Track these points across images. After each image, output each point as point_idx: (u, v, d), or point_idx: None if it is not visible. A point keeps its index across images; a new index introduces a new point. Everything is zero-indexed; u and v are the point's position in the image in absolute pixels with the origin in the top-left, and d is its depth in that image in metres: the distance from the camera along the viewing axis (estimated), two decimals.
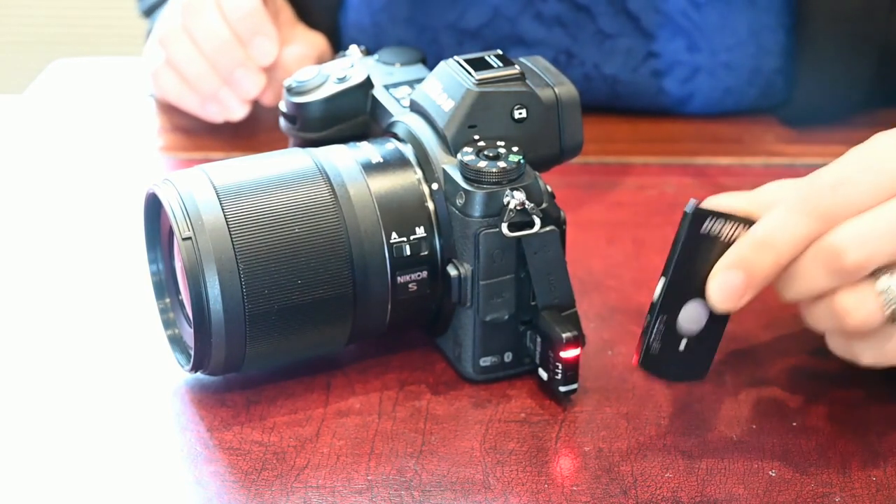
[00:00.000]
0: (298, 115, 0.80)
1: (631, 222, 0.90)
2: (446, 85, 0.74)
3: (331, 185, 0.72)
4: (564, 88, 0.75)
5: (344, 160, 0.73)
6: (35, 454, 0.70)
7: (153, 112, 1.05)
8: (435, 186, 0.73)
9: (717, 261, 0.66)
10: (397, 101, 0.78)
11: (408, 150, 0.74)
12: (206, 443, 0.70)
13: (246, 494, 0.67)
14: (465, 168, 0.71)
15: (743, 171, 0.96)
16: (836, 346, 0.68)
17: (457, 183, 0.71)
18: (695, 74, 1.01)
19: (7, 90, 1.42)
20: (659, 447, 0.70)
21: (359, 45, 0.85)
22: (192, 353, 0.71)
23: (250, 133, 1.00)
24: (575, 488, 0.67)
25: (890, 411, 0.72)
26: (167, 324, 0.75)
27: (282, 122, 0.82)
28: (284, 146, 0.79)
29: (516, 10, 1.00)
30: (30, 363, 0.76)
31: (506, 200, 0.70)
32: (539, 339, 0.72)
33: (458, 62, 0.74)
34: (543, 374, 0.73)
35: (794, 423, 0.71)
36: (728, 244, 0.66)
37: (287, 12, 1.02)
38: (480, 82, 0.73)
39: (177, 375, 0.74)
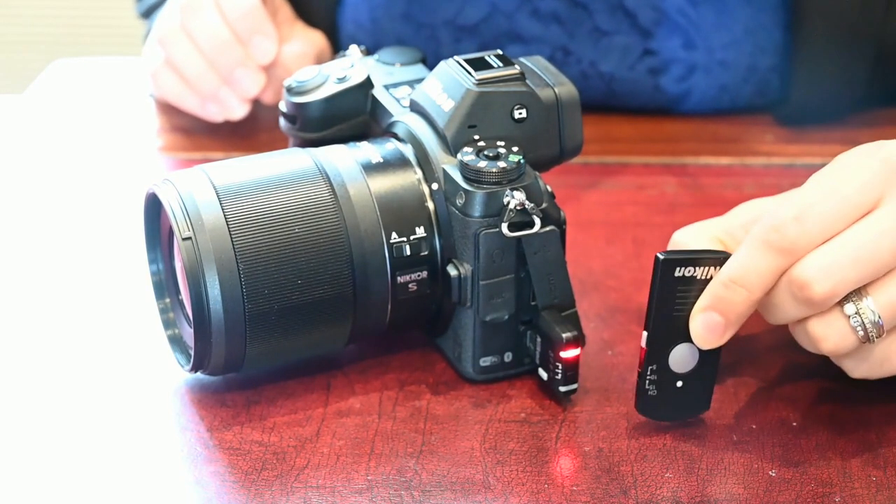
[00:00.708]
0: (298, 114, 0.80)
1: (631, 222, 0.90)
2: (446, 85, 0.74)
3: (331, 185, 0.72)
4: (564, 88, 0.75)
5: (344, 160, 0.73)
6: (35, 454, 0.70)
7: (153, 112, 1.05)
8: (435, 186, 0.73)
9: (695, 301, 0.68)
10: (397, 101, 0.78)
11: (408, 150, 0.74)
12: (206, 443, 0.70)
13: (246, 494, 0.67)
14: (465, 168, 0.71)
15: (743, 171, 0.96)
16: (832, 358, 0.70)
17: (457, 183, 0.71)
18: (691, 72, 1.01)
19: (7, 90, 1.42)
20: (659, 447, 0.70)
21: (356, 42, 0.85)
22: (192, 353, 0.71)
23: (250, 133, 1.00)
24: (575, 488, 0.67)
25: (890, 411, 0.72)
26: (167, 324, 0.75)
27: (282, 121, 0.82)
28: (284, 146, 0.79)
29: (514, 6, 1.00)
30: (30, 363, 0.76)
31: (506, 200, 0.70)
32: (539, 339, 0.72)
33: (458, 62, 0.74)
34: (543, 374, 0.73)
35: (794, 424, 0.71)
36: (704, 282, 0.67)
37: (286, 10, 1.02)
38: (480, 82, 0.73)
39: (177, 375, 0.74)
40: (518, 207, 0.70)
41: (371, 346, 0.77)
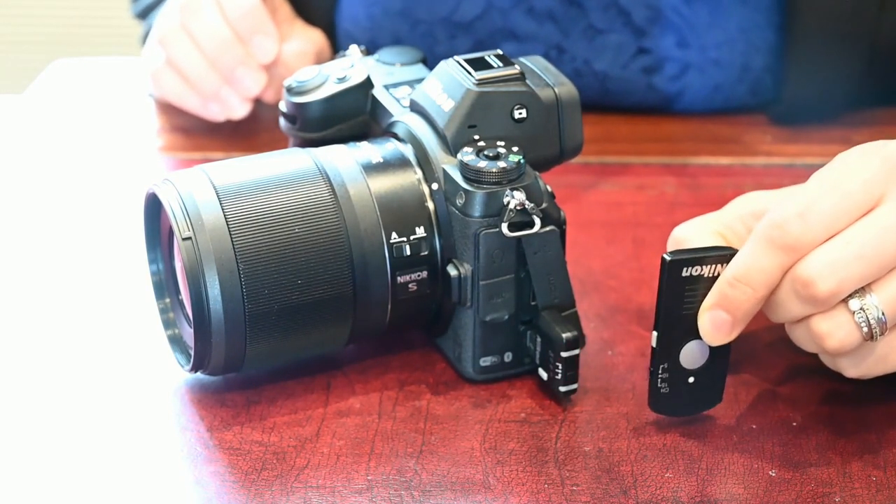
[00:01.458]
0: (298, 114, 0.80)
1: (631, 222, 0.90)
2: (446, 85, 0.74)
3: (331, 185, 0.72)
4: (564, 88, 0.75)
5: (344, 160, 0.73)
6: (35, 454, 0.70)
7: (153, 112, 1.05)
8: (435, 186, 0.73)
9: (703, 299, 0.68)
10: (397, 101, 0.78)
11: (408, 150, 0.74)
12: (206, 443, 0.70)
13: (246, 494, 0.67)
14: (465, 168, 0.71)
15: (743, 171, 0.96)
16: (824, 360, 0.70)
17: (457, 183, 0.71)
18: (685, 71, 1.01)
19: (7, 90, 1.42)
20: (659, 447, 0.70)
21: (353, 39, 0.85)
22: (192, 353, 0.71)
23: (250, 133, 1.00)
24: (575, 488, 0.67)
25: (890, 411, 0.72)
26: (167, 324, 0.75)
27: (282, 121, 0.82)
28: (284, 146, 0.79)
29: (509, 3, 1.00)
30: (30, 363, 0.76)
31: (506, 200, 0.70)
32: (539, 339, 0.72)
33: (457, 62, 0.74)
34: (543, 374, 0.73)
35: (794, 423, 0.71)
36: (712, 279, 0.67)
37: (285, 9, 1.02)
38: (480, 82, 0.73)
39: (177, 375, 0.74)
40: (518, 207, 0.70)
41: (371, 346, 0.77)
